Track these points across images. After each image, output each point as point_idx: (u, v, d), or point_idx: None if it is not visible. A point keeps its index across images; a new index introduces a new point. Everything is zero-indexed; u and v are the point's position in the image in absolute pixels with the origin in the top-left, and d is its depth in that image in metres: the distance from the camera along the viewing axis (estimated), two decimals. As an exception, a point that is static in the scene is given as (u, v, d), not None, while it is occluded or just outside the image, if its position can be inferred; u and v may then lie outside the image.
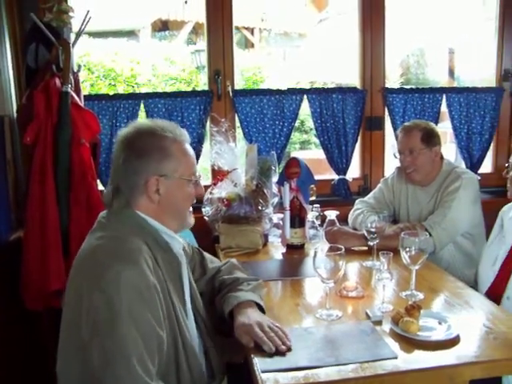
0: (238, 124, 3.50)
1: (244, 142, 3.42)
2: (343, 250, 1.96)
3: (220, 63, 3.42)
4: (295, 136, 7.89)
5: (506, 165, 2.49)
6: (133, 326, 1.48)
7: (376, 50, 3.57)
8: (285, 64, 10.12)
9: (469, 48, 6.49)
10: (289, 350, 1.72)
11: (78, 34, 2.82)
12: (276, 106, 3.44)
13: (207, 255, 2.21)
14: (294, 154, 7.41)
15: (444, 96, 3.61)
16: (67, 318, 1.58)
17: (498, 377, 1.98)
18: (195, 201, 1.85)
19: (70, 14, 2.80)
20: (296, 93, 3.46)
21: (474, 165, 3.67)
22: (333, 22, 9.41)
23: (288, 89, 3.47)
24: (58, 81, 2.67)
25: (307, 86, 7.71)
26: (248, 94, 3.44)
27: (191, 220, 1.86)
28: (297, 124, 7.57)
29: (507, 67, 3.70)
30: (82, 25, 2.80)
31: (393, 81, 8.45)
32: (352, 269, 2.54)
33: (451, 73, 8.58)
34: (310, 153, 3.75)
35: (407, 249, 2.10)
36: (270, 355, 1.70)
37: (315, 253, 1.97)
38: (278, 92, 3.45)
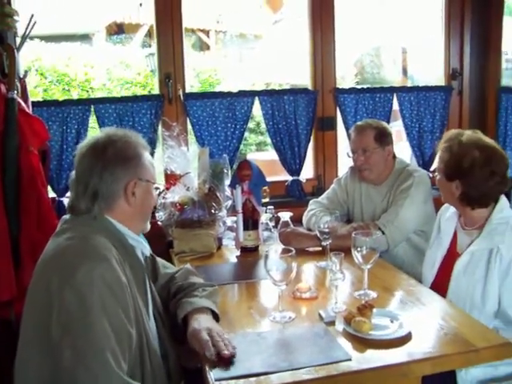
0: (190, 127, 3.47)
1: (196, 145, 3.39)
2: (294, 251, 1.95)
3: (170, 66, 3.39)
4: (251, 138, 7.88)
5: (432, 169, 2.52)
6: (105, 320, 1.49)
7: (326, 50, 3.58)
8: (241, 66, 10.12)
9: (420, 47, 6.59)
10: (232, 356, 1.70)
11: (23, 39, 2.76)
12: (228, 108, 3.43)
13: (160, 260, 2.19)
14: (250, 156, 7.41)
15: (395, 95, 3.64)
16: (32, 320, 1.57)
17: (452, 371, 2.02)
18: None
19: (15, 17, 2.73)
20: (247, 95, 3.45)
21: (425, 163, 3.71)
22: (287, 22, 9.44)
23: (239, 91, 3.47)
24: (3, 87, 2.61)
25: (262, 88, 7.73)
26: (199, 97, 3.42)
27: (149, 225, 1.92)
28: (252, 125, 7.59)
29: (455, 66, 3.76)
30: (26, 29, 2.74)
31: (348, 80, 8.54)
32: (306, 270, 2.55)
33: (405, 72, 8.70)
34: (267, 154, 3.75)
35: (359, 248, 2.11)
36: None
37: (266, 255, 1.96)
38: (230, 95, 3.44)
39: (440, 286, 2.38)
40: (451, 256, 2.40)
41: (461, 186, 2.28)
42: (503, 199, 2.33)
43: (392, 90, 3.67)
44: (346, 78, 8.46)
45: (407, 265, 2.93)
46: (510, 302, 2.17)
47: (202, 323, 1.81)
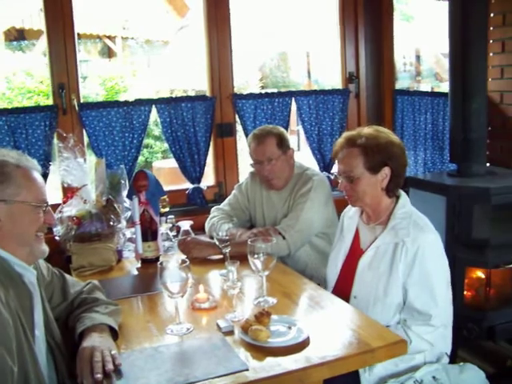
0: (86, 138, 3.37)
1: (94, 156, 3.30)
2: (188, 262, 1.92)
3: (64, 75, 3.27)
4: (156, 145, 7.82)
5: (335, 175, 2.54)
6: None
7: (223, 56, 3.56)
8: (148, 72, 10.02)
9: (321, 52, 6.73)
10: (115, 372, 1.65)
11: None
12: (124, 117, 3.34)
13: (70, 279, 2.10)
14: (156, 164, 7.34)
15: (293, 99, 3.67)
16: None
17: (355, 371, 2.04)
18: (46, 230, 1.82)
19: None
20: (144, 103, 3.37)
21: (326, 165, 3.76)
22: (192, 28, 9.42)
23: (136, 100, 3.39)
24: None
25: (168, 94, 7.65)
26: (95, 107, 3.31)
27: (43, 248, 1.81)
28: (158, 133, 7.51)
29: (351, 70, 3.84)
30: None
31: (253, 85, 8.62)
32: (208, 279, 2.51)
33: (309, 75, 8.89)
34: (173, 162, 3.71)
35: (255, 255, 2.09)
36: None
37: (161, 268, 1.92)
38: (126, 104, 3.36)
39: (344, 284, 2.41)
40: (354, 253, 2.43)
41: (390, 171, 2.31)
42: (404, 194, 2.42)
43: (290, 94, 3.68)
44: (250, 83, 8.55)
45: (311, 268, 2.96)
46: (417, 294, 2.22)
47: (90, 341, 1.75)
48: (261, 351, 1.78)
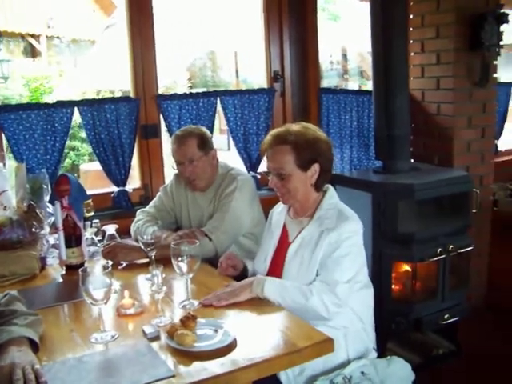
0: (5, 142, 3.25)
1: (14, 161, 3.18)
2: (110, 268, 1.88)
3: (-22, 78, 3.15)
4: (83, 148, 7.66)
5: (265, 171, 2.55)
6: None
7: (147, 57, 3.49)
8: (75, 72, 9.82)
9: (248, 51, 6.74)
10: None
11: None
12: (46, 120, 3.23)
13: None
14: (83, 166, 7.19)
15: (218, 99, 3.64)
16: None
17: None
18: None
19: None
20: (66, 106, 3.28)
21: (253, 165, 3.76)
22: (119, 27, 9.29)
23: (57, 101, 3.29)
24: None
25: (94, 95, 7.50)
26: (13, 110, 3.19)
27: None
28: (85, 135, 7.35)
29: (276, 69, 3.85)
30: None
31: (181, 85, 8.55)
32: (134, 284, 2.46)
33: (238, 75, 8.91)
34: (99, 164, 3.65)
35: (179, 258, 2.07)
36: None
37: (83, 274, 1.87)
38: (47, 106, 3.25)
39: (275, 276, 2.38)
40: (283, 247, 2.45)
41: (319, 167, 2.34)
42: (331, 188, 2.46)
43: (215, 94, 3.66)
44: (178, 83, 8.49)
45: (239, 268, 2.95)
46: (326, 272, 2.25)
47: (7, 358, 1.67)
48: (187, 356, 1.75)
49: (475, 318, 3.87)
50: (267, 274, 2.45)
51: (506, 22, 3.80)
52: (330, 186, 2.46)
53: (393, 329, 3.38)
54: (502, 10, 3.81)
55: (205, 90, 3.88)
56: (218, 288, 2.28)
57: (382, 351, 3.29)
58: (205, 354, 1.76)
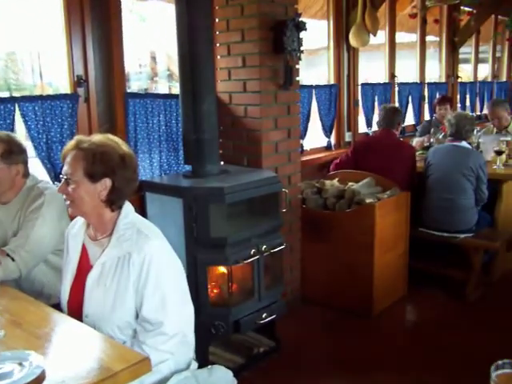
0: None
1: None
2: None
3: None
4: None
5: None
6: None
7: None
8: None
9: (51, 52, 6.39)
10: None
11: None
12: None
13: None
14: None
15: (17, 105, 3.35)
16: None
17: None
18: None
19: None
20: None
21: (57, 175, 3.46)
22: None
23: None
24: None
25: None
26: None
27: None
28: None
29: (79, 73, 3.66)
30: None
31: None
32: None
33: (42, 77, 8.44)
34: None
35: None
36: None
37: None
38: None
39: (77, 303, 2.29)
40: (83, 271, 2.31)
41: (110, 183, 2.21)
42: (127, 204, 2.34)
43: (13, 100, 3.35)
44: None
45: (49, 287, 2.80)
46: (148, 304, 2.18)
47: None
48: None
49: (292, 312, 4.02)
50: (70, 301, 2.33)
51: (305, 29, 3.97)
52: (127, 203, 2.34)
53: (213, 333, 3.38)
54: (300, 19, 3.97)
55: (7, 94, 3.53)
56: (22, 313, 2.12)
57: (205, 357, 3.30)
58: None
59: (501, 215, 4.92)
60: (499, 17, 9.23)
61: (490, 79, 9.83)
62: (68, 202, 2.27)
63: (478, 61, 9.24)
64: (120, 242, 2.23)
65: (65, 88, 3.79)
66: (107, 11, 3.71)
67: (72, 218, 2.55)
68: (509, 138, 5.40)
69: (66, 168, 2.23)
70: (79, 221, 2.42)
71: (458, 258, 4.81)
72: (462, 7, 7.76)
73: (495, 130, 6.15)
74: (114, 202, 2.26)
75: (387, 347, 3.87)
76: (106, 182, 2.21)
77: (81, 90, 3.63)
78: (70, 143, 2.26)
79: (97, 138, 2.26)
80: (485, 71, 9.86)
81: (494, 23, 9.33)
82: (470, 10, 7.89)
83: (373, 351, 3.81)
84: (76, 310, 2.26)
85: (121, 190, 2.25)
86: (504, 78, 10.25)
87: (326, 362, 3.67)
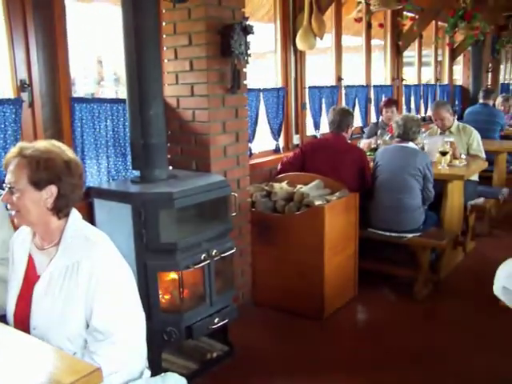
0: None
1: None
2: None
3: None
4: None
5: None
6: None
7: None
8: None
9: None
10: None
11: None
12: None
13: None
14: None
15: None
16: None
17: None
18: None
19: None
20: None
21: (1, 182, 3.42)
22: None
23: None
24: None
25: None
26: None
27: None
28: None
29: (23, 77, 3.56)
30: None
31: None
32: None
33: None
34: None
35: None
36: None
37: None
38: None
39: (24, 315, 2.23)
40: (31, 281, 2.25)
41: (56, 190, 2.16)
42: (74, 211, 2.30)
43: None
44: None
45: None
46: (98, 312, 2.14)
47: None
48: None
49: (244, 316, 4.02)
50: (16, 313, 2.27)
51: (252, 32, 3.99)
52: (74, 210, 2.30)
53: (165, 340, 3.35)
54: (247, 22, 3.98)
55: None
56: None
57: (158, 364, 3.26)
58: None
59: (446, 214, 5.04)
60: (439, 23, 9.48)
61: (433, 82, 10.08)
62: (13, 213, 2.21)
63: (421, 64, 9.45)
64: (68, 251, 2.19)
65: (8, 93, 3.69)
66: (51, 13, 3.63)
67: (14, 224, 2.48)
68: (452, 139, 5.54)
69: (9, 176, 2.17)
70: (25, 230, 2.36)
71: (406, 258, 4.90)
72: (404, 12, 7.94)
73: (439, 130, 6.28)
74: (60, 209, 2.22)
75: (338, 348, 3.91)
76: (52, 190, 2.16)
77: (25, 95, 3.54)
78: (13, 150, 2.20)
79: (40, 144, 2.21)
80: (428, 74, 10.08)
81: (434, 29, 9.58)
82: (413, 15, 8.08)
83: (324, 352, 3.85)
84: (23, 322, 2.21)
85: (67, 196, 2.21)
86: (446, 81, 10.54)
87: (279, 365, 3.69)
